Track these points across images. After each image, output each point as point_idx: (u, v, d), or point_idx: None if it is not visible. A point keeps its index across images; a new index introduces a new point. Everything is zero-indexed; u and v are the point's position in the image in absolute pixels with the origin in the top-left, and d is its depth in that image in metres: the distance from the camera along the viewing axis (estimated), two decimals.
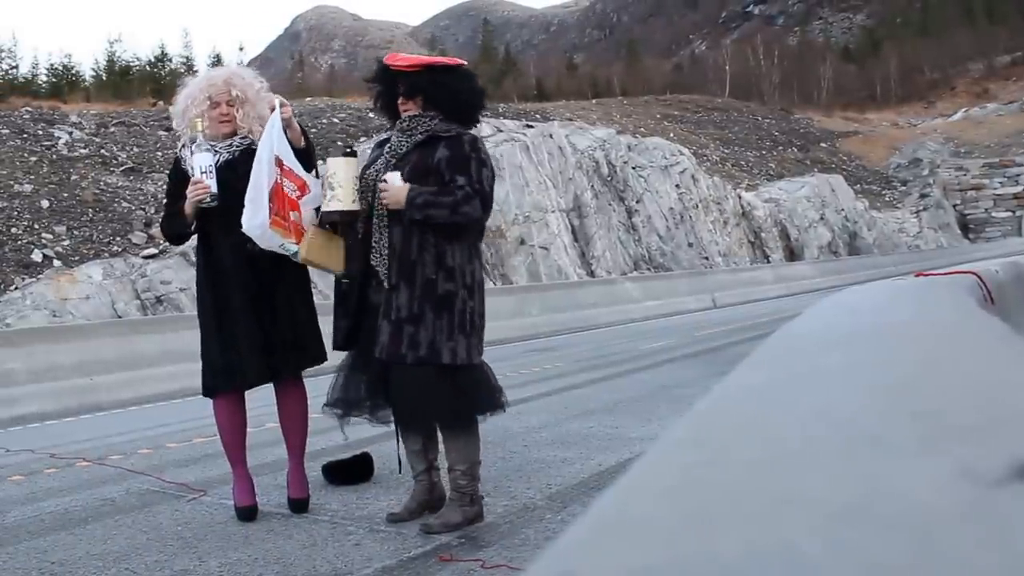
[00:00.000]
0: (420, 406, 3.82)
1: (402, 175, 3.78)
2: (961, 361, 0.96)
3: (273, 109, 4.02)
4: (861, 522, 0.46)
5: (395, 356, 3.75)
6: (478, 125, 4.15)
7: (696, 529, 0.44)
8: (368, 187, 3.89)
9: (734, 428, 0.65)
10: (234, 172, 4.08)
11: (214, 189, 4.01)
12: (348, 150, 3.99)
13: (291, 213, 3.93)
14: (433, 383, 3.75)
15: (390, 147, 3.95)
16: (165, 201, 4.43)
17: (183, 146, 4.24)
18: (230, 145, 4.17)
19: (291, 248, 3.93)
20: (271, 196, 3.88)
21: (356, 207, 3.85)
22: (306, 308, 4.22)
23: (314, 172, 4.11)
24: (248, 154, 4.12)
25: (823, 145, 51.21)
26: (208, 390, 4.22)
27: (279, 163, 3.93)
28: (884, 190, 45.52)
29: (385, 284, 3.82)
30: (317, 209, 3.97)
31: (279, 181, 3.91)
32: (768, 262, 28.58)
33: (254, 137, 4.16)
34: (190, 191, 4.02)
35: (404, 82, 3.87)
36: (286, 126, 4.01)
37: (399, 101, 3.92)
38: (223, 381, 4.16)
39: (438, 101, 3.87)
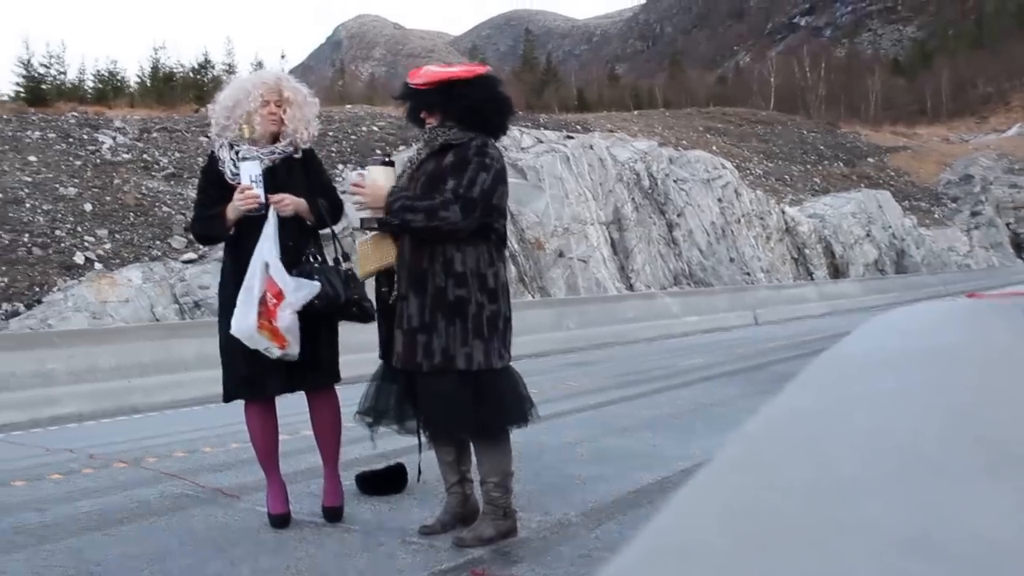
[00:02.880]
0: (444, 415, 3.82)
1: (418, 185, 3.83)
2: (1020, 386, 0.94)
3: (274, 204, 4.11)
4: (923, 553, 0.45)
5: (411, 365, 3.78)
6: (504, 133, 4.13)
7: (755, 557, 0.43)
8: None
9: (787, 452, 0.64)
10: (272, 179, 4.15)
11: (263, 199, 4.08)
12: (387, 159, 4.02)
13: (271, 320, 4.03)
14: (453, 390, 3.75)
15: (410, 158, 4.02)
16: (197, 199, 4.46)
17: (220, 145, 4.28)
18: (272, 152, 4.22)
19: (275, 352, 4.05)
20: (259, 301, 4.02)
21: None
22: (326, 326, 4.23)
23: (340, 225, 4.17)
24: (288, 162, 4.22)
25: (870, 160, 50.65)
26: (228, 396, 4.27)
27: (265, 268, 4.06)
28: (934, 207, 44.90)
29: (394, 293, 3.85)
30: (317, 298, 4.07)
31: (264, 289, 4.05)
32: (812, 279, 28.26)
33: (298, 140, 4.24)
34: (238, 199, 4.08)
35: (422, 99, 3.95)
36: (291, 214, 4.11)
37: (422, 114, 3.99)
38: (245, 390, 4.20)
39: (455, 114, 3.90)
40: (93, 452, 6.23)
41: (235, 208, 4.09)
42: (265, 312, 4.03)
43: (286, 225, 4.12)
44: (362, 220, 3.95)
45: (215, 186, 4.22)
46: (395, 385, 3.95)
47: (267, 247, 4.05)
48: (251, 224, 4.10)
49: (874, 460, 0.64)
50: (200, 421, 7.67)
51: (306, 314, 4.05)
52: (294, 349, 4.05)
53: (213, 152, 4.33)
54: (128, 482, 5.29)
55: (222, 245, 4.35)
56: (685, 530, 0.49)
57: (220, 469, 5.56)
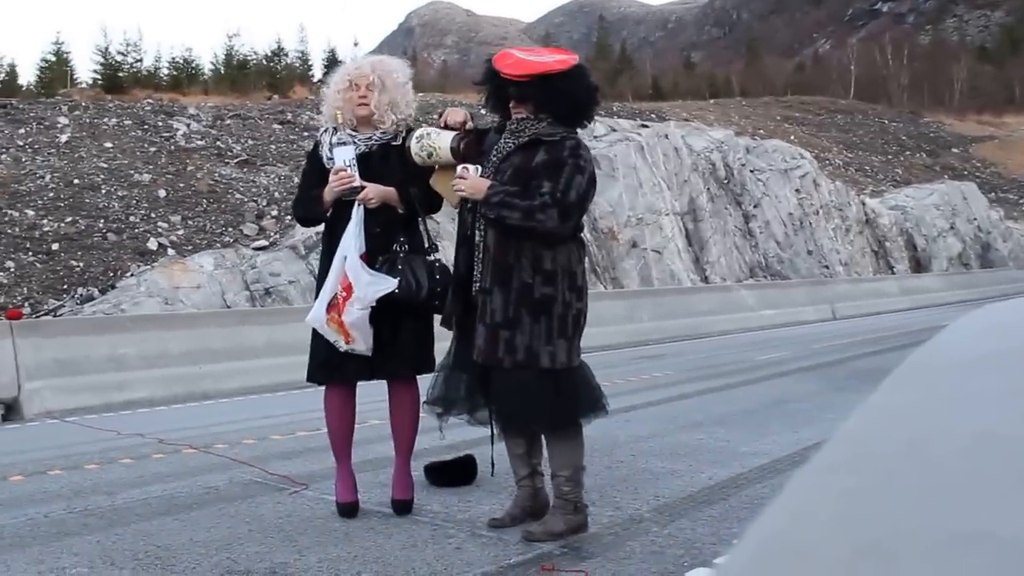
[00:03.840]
0: (520, 410, 3.81)
1: (504, 177, 3.81)
2: None
3: (406, 129, 4.19)
4: None
5: (492, 360, 3.76)
6: (591, 124, 4.09)
7: (873, 564, 0.40)
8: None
9: (891, 453, 0.61)
10: (367, 165, 4.21)
11: (358, 182, 4.13)
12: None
13: (340, 314, 4.08)
14: (533, 387, 3.73)
15: (497, 147, 3.96)
16: (300, 183, 4.59)
17: (324, 131, 4.40)
18: (368, 138, 4.28)
19: (342, 346, 4.09)
20: (333, 294, 4.08)
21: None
22: (413, 315, 4.22)
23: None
24: (385, 149, 4.27)
25: (955, 150, 49.44)
26: (310, 377, 4.35)
27: (343, 261, 4.10)
28: (1022, 199, 43.64)
29: (476, 286, 3.84)
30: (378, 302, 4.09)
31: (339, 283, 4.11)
32: (892, 273, 27.71)
33: (387, 125, 4.28)
34: (333, 179, 4.15)
35: (514, 89, 3.86)
36: (376, 206, 4.16)
37: (510, 104, 3.93)
38: (323, 374, 4.26)
39: (548, 107, 3.84)
40: (163, 437, 6.36)
41: (331, 190, 4.18)
42: (335, 306, 4.07)
43: (375, 213, 4.16)
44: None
45: (318, 170, 4.32)
46: (465, 374, 3.95)
47: (348, 239, 4.09)
48: (345, 213, 4.17)
49: (984, 463, 0.60)
50: (269, 409, 7.78)
51: (390, 303, 4.07)
52: (360, 345, 4.08)
53: (318, 138, 4.45)
54: (197, 468, 5.39)
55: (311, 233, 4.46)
56: (794, 533, 0.47)
57: (288, 457, 5.63)
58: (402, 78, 4.39)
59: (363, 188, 4.13)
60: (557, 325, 3.74)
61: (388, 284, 4.06)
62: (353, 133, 4.28)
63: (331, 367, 4.21)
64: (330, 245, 4.26)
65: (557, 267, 3.76)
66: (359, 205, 4.13)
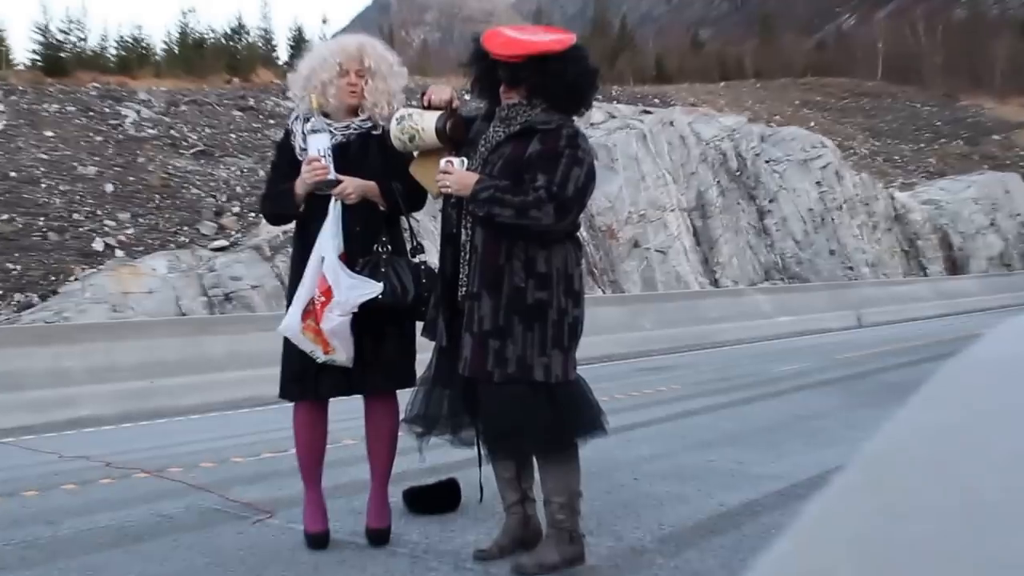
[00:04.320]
0: (510, 428, 3.80)
1: (493, 169, 3.80)
2: None
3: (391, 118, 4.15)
4: None
5: (480, 373, 3.75)
6: (588, 111, 4.09)
7: None
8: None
9: (918, 474, 0.62)
10: (345, 157, 4.18)
11: (332, 174, 4.10)
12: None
13: (317, 321, 4.05)
14: (525, 402, 3.73)
15: (485, 137, 3.96)
16: (269, 176, 4.57)
17: (296, 118, 4.36)
18: (347, 127, 4.26)
19: (320, 356, 4.06)
20: (308, 299, 4.06)
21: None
22: (395, 323, 4.22)
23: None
24: (364, 138, 4.25)
25: (995, 137, 49.62)
26: (283, 392, 4.32)
27: (320, 262, 4.08)
28: None
29: (463, 291, 3.84)
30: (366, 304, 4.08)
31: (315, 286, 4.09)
32: (925, 275, 27.82)
33: (378, 117, 4.26)
34: (305, 170, 4.12)
35: (505, 71, 3.85)
36: (356, 201, 4.13)
37: (500, 88, 3.92)
38: (297, 389, 4.23)
39: (544, 91, 3.84)
40: (112, 460, 6.35)
41: (303, 181, 4.14)
42: (312, 312, 4.05)
43: (354, 210, 4.13)
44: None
45: (289, 162, 4.28)
46: (448, 389, 3.95)
47: (325, 239, 4.07)
48: (319, 210, 4.14)
49: (1020, 485, 0.61)
50: (230, 427, 7.77)
51: (372, 309, 4.06)
52: (341, 355, 4.06)
53: (289, 126, 4.41)
54: (150, 494, 5.37)
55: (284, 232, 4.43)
56: (811, 560, 0.47)
57: (252, 481, 5.63)
58: (394, 62, 4.38)
59: (339, 182, 4.11)
60: (552, 334, 3.75)
61: (372, 288, 4.04)
62: (328, 121, 4.25)
63: (305, 381, 4.19)
64: (302, 245, 4.24)
65: (552, 269, 3.77)
66: (336, 201, 4.10)
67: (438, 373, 4.01)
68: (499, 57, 3.84)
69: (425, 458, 4.39)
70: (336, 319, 4.01)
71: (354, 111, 4.29)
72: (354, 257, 4.10)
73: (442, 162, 3.88)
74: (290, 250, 4.56)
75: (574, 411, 3.84)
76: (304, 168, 4.13)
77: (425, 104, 4.10)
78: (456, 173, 3.81)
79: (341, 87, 4.23)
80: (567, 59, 3.84)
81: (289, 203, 4.24)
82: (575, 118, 3.97)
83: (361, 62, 4.26)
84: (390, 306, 4.05)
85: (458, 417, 3.99)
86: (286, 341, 4.20)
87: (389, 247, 4.20)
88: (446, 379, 3.95)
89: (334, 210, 4.09)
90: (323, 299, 4.04)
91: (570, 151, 3.76)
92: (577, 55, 3.89)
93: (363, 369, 4.14)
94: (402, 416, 4.15)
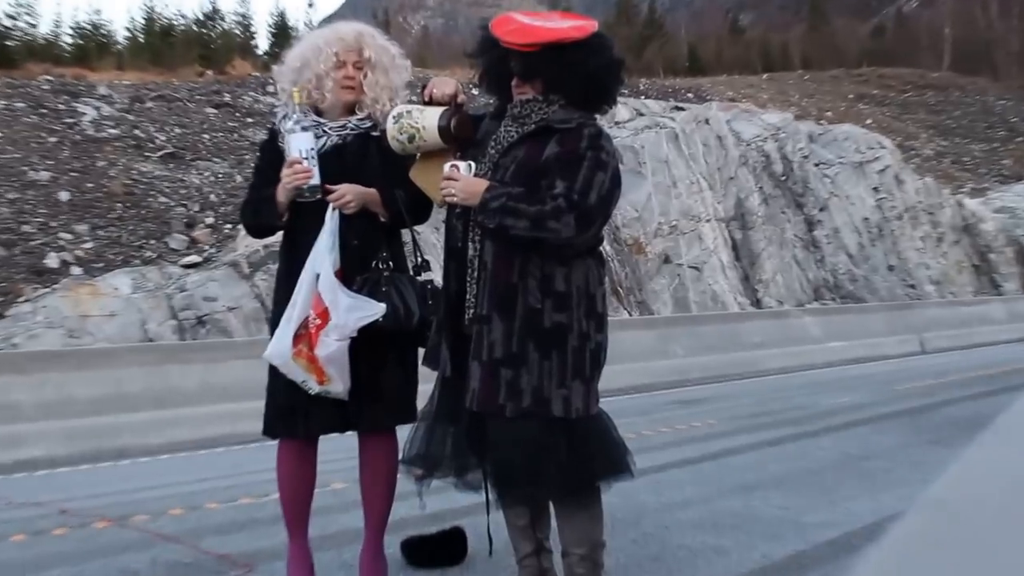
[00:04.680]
0: (523, 470, 3.77)
1: (505, 175, 3.80)
2: None
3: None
4: None
5: (490, 407, 3.73)
6: (612, 108, 4.09)
7: None
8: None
9: (991, 523, 0.62)
10: (341, 161, 4.16)
11: (316, 180, 4.08)
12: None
13: (311, 347, 4.02)
14: (541, 441, 3.71)
15: (495, 137, 3.95)
16: (251, 181, 4.53)
17: (283, 116, 4.30)
18: (343, 126, 4.25)
19: (313, 387, 4.03)
20: (301, 322, 4.02)
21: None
22: (397, 350, 4.21)
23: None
24: (363, 139, 4.23)
25: None
26: (267, 429, 4.29)
27: (315, 280, 4.04)
28: None
29: (470, 313, 3.83)
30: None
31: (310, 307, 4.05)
32: (998, 293, 27.71)
33: (378, 113, 4.24)
34: (286, 174, 4.08)
35: (518, 62, 3.84)
36: (355, 210, 4.12)
37: (513, 82, 3.92)
38: (283, 426, 4.21)
39: (562, 85, 3.83)
40: (67, 506, 6.35)
41: (283, 187, 4.11)
42: (305, 336, 4.02)
43: (351, 221, 4.11)
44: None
45: (274, 166, 4.23)
46: (453, 426, 3.94)
47: (320, 253, 4.03)
48: (310, 220, 4.10)
49: None
50: (203, 470, 7.78)
51: (371, 334, 4.03)
52: (337, 386, 4.03)
53: (274, 124, 4.38)
54: (111, 546, 5.37)
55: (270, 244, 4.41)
56: None
57: (228, 531, 5.63)
58: (397, 56, 4.37)
59: (323, 187, 4.08)
60: (572, 362, 3.74)
61: (374, 310, 4.01)
62: (322, 120, 4.24)
63: (293, 417, 4.16)
64: (289, 261, 4.22)
65: (572, 288, 3.76)
66: (333, 210, 4.08)
67: (441, 407, 4.00)
68: (511, 46, 3.84)
69: (426, 504, 4.38)
70: (333, 344, 3.98)
71: (351, 109, 4.28)
72: (351, 274, 4.07)
73: (446, 167, 3.84)
74: (273, 266, 4.55)
75: (596, 450, 3.83)
76: (284, 171, 4.09)
77: (426, 99, 4.07)
78: (462, 179, 3.79)
79: (336, 80, 4.21)
80: (588, 48, 3.82)
81: (271, 212, 4.20)
82: (597, 116, 3.97)
83: (360, 53, 4.25)
84: (391, 330, 4.03)
85: (464, 457, 3.98)
86: (272, 370, 4.16)
87: (390, 263, 4.18)
88: (450, 414, 3.94)
89: (331, 220, 4.05)
90: (319, 321, 4.00)
91: (592, 153, 3.75)
92: (599, 44, 3.88)
93: (359, 402, 4.11)
94: (400, 456, 4.15)
